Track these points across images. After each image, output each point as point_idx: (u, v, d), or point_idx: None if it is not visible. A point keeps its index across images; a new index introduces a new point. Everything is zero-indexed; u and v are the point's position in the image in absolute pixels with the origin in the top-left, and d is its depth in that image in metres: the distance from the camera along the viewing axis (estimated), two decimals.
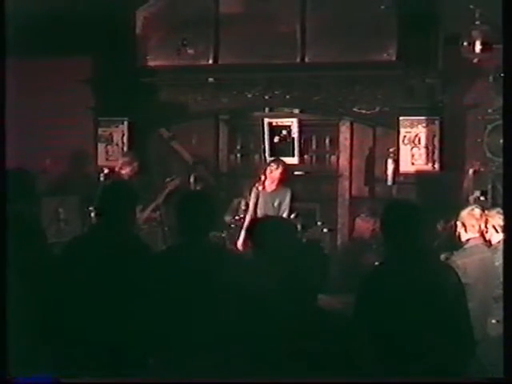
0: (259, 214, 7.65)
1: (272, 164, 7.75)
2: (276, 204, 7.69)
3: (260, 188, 7.71)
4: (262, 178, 7.68)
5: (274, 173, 7.65)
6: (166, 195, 7.72)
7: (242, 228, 7.60)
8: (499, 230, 5.24)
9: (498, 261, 4.72)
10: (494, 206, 6.56)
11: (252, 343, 3.18)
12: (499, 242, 5.13)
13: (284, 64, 8.57)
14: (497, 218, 5.30)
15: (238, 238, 7.55)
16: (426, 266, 3.76)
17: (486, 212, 5.45)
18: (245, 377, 3.12)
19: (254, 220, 7.38)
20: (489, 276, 4.99)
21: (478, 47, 7.48)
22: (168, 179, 7.86)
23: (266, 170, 7.71)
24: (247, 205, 7.88)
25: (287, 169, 7.84)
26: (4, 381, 3.24)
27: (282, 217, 7.36)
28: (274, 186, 7.68)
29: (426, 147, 8.26)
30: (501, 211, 5.31)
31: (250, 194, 7.82)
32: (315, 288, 3.26)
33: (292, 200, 7.70)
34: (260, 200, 7.74)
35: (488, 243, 5.31)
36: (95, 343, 3.80)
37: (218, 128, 9.40)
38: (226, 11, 8.75)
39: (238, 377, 3.15)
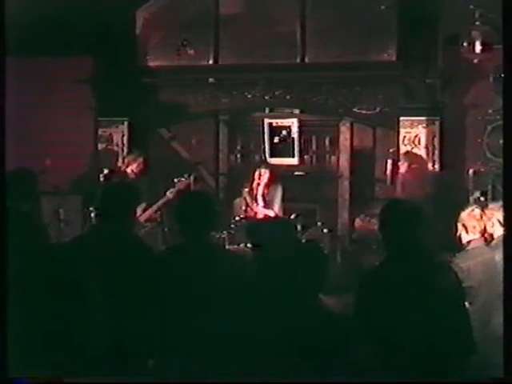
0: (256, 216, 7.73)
1: (260, 169, 7.88)
2: (269, 201, 7.81)
3: (253, 192, 7.81)
4: (254, 183, 7.78)
5: (263, 177, 7.77)
6: (174, 195, 7.65)
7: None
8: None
9: (500, 261, 4.71)
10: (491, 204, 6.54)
11: (252, 343, 3.18)
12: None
13: (284, 64, 8.57)
14: (502, 212, 5.25)
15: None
16: (425, 266, 3.75)
17: (491, 206, 5.42)
18: (245, 377, 3.12)
19: (255, 221, 7.42)
20: (492, 277, 4.97)
21: (477, 47, 7.48)
22: (178, 178, 7.80)
23: (254, 175, 7.81)
24: (247, 205, 7.90)
25: (275, 170, 8.01)
26: (4, 381, 3.24)
27: (282, 218, 7.40)
28: (266, 189, 7.79)
29: (426, 147, 8.26)
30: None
31: (244, 199, 7.88)
32: (315, 288, 3.26)
33: (283, 194, 7.83)
34: (255, 204, 7.84)
35: (491, 238, 5.26)
36: (95, 343, 3.80)
37: (218, 128, 9.40)
38: (226, 11, 8.75)
39: (238, 377, 3.15)
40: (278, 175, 8.02)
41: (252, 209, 7.82)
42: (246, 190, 7.84)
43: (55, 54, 8.72)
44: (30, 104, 8.67)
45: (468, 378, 3.62)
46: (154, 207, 7.63)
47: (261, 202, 7.83)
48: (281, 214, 7.76)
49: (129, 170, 7.77)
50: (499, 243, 5.00)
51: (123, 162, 8.22)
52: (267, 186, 7.82)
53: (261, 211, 7.81)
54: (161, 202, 7.65)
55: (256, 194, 7.82)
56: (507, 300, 3.41)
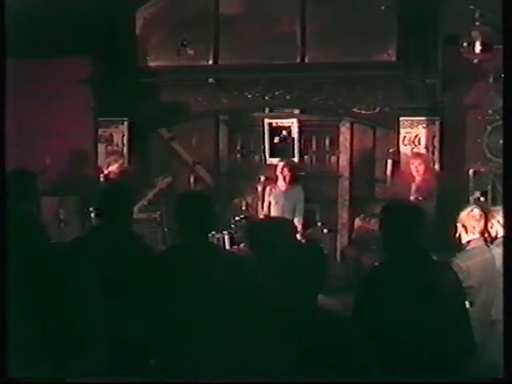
0: (273, 212, 7.81)
1: (281, 163, 8.05)
2: (291, 204, 7.87)
3: (273, 188, 7.92)
4: (275, 177, 7.91)
5: (284, 172, 7.86)
6: (156, 194, 7.73)
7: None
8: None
9: (500, 261, 4.70)
10: (494, 206, 6.55)
11: (252, 343, 3.18)
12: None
13: (284, 64, 8.58)
14: (502, 214, 5.26)
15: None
16: (425, 267, 3.75)
17: (492, 208, 5.43)
18: (245, 377, 3.12)
19: (255, 221, 7.42)
20: (492, 277, 4.97)
21: (477, 48, 7.48)
22: (159, 178, 7.89)
23: (276, 170, 7.97)
24: (247, 205, 7.93)
25: (295, 168, 8.16)
26: (4, 381, 3.24)
27: (282, 217, 7.40)
28: (286, 186, 7.89)
29: (426, 148, 8.26)
30: None
31: (263, 194, 7.97)
32: (315, 288, 3.25)
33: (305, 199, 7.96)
34: (272, 199, 7.91)
35: (493, 239, 5.27)
36: (96, 343, 3.80)
37: (218, 128, 9.40)
38: (226, 11, 8.76)
39: (238, 377, 3.15)
40: (296, 171, 8.16)
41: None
42: (269, 187, 7.95)
43: (55, 54, 8.72)
44: (30, 104, 8.67)
45: (468, 378, 3.62)
46: (138, 205, 7.65)
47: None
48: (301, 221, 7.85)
49: (107, 171, 7.83)
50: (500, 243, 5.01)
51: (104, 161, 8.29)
52: (289, 182, 7.92)
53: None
54: (143, 201, 7.71)
55: (278, 190, 7.90)
56: (507, 299, 3.41)
